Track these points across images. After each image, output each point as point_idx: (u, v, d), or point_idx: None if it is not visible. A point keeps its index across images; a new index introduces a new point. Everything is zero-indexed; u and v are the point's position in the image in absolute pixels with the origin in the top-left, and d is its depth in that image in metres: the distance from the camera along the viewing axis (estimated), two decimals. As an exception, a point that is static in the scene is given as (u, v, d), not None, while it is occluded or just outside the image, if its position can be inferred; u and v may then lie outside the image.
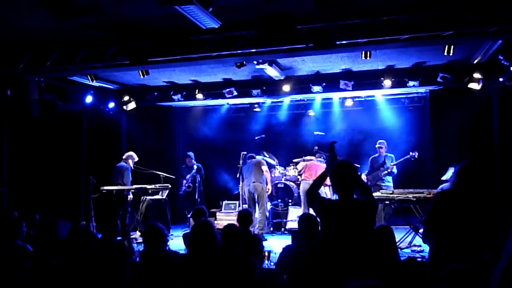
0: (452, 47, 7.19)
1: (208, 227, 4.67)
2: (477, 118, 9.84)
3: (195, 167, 11.00)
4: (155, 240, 4.56)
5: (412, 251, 7.81)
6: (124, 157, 10.22)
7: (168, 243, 6.27)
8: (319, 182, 3.99)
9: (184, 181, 10.95)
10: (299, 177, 10.99)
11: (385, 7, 6.37)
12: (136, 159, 10.26)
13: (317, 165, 10.27)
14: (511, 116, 8.91)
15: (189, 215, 10.36)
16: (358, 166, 9.84)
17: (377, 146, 10.12)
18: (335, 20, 6.61)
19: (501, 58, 7.88)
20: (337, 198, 3.90)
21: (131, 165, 10.12)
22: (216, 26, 6.32)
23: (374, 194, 7.87)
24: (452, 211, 3.51)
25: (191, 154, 11.18)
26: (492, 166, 9.06)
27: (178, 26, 6.62)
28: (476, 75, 9.07)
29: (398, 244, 7.61)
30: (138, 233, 9.43)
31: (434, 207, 3.64)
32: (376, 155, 10.07)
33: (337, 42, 6.72)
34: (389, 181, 9.88)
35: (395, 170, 9.89)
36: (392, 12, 6.45)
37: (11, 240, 4.53)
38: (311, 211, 8.56)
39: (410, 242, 8.09)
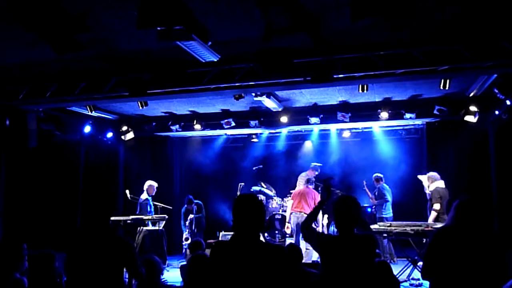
0: (448, 81, 7.28)
1: (204, 260, 4.66)
2: (474, 150, 9.90)
3: (188, 215, 10.82)
4: (150, 274, 4.52)
5: (411, 285, 7.75)
6: (145, 188, 10.37)
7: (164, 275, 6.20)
8: (312, 217, 4.01)
9: (184, 235, 10.68)
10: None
11: (382, 42, 6.47)
12: (156, 185, 10.49)
13: (301, 191, 9.98)
14: (507, 149, 8.95)
15: (185, 246, 10.28)
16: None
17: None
18: (332, 54, 6.71)
19: (497, 91, 7.96)
20: (335, 231, 3.90)
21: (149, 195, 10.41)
22: (215, 60, 6.40)
23: (372, 226, 7.86)
24: (452, 248, 3.50)
25: (192, 197, 10.89)
26: (489, 200, 9.08)
27: (177, 59, 6.70)
28: (472, 108, 9.16)
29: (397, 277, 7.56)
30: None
31: (433, 243, 3.63)
32: None
33: (335, 76, 6.80)
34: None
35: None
36: (389, 47, 6.55)
37: (10, 273, 4.47)
38: (302, 243, 8.59)
39: (408, 276, 8.02)
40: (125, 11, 5.10)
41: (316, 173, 10.90)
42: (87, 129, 10.52)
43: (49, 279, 4.43)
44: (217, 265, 3.10)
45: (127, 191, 10.32)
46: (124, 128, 11.11)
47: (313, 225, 4.16)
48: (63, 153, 10.05)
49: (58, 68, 7.41)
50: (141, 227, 9.84)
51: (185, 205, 10.84)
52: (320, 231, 9.31)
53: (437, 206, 8.26)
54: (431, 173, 8.81)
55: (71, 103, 8.72)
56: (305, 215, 9.35)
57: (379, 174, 10.53)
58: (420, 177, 9.02)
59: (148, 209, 10.28)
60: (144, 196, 10.34)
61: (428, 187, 8.66)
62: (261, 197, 10.67)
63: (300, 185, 10.78)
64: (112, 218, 9.25)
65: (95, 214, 3.65)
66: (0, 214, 8.25)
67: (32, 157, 8.97)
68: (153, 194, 10.47)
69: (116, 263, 3.55)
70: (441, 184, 8.57)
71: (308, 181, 9.95)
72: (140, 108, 8.90)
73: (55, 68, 7.40)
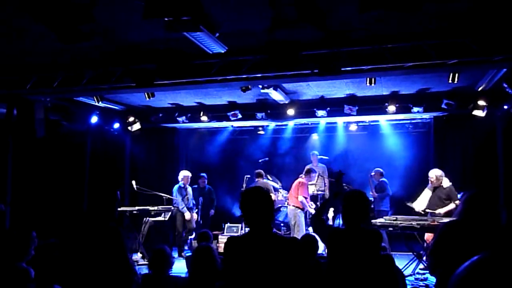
0: (456, 74, 7.22)
1: (209, 252, 4.65)
2: (482, 145, 9.85)
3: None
4: (161, 265, 4.52)
5: (416, 279, 7.73)
6: (179, 178, 10.67)
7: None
8: (322, 209, 4.02)
9: (195, 215, 10.77)
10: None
11: (390, 35, 6.42)
12: (187, 175, 10.65)
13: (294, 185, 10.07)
14: (515, 144, 8.90)
15: (191, 237, 10.30)
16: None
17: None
18: (340, 47, 6.66)
19: (506, 86, 7.88)
20: (341, 224, 3.91)
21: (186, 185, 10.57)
22: (223, 51, 6.37)
23: (377, 220, 7.85)
24: (460, 242, 3.48)
25: (204, 174, 11.26)
26: (497, 195, 9.03)
27: (184, 50, 6.69)
28: (481, 102, 9.08)
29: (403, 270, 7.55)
30: (139, 255, 9.38)
31: (440, 238, 3.61)
32: None
33: (342, 69, 6.76)
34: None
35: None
36: (397, 40, 6.50)
37: (14, 262, 4.48)
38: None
39: (413, 270, 8.01)
40: (132, 1, 5.09)
41: (317, 158, 11.29)
42: (94, 119, 10.54)
43: (54, 269, 4.43)
44: (232, 261, 3.09)
45: (133, 182, 10.34)
46: (131, 119, 11.12)
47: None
48: (70, 143, 10.10)
49: (65, 58, 7.41)
50: (147, 218, 9.88)
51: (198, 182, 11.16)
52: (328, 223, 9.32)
53: (458, 201, 8.32)
54: (439, 170, 8.79)
55: (78, 94, 8.74)
56: (292, 208, 9.52)
57: (380, 169, 10.50)
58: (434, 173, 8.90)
59: (185, 194, 10.52)
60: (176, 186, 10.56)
61: (434, 179, 8.66)
62: (271, 185, 10.72)
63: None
64: (118, 209, 9.31)
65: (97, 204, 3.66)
66: (8, 203, 8.31)
67: (39, 146, 9.02)
68: (188, 183, 10.68)
69: (108, 251, 3.50)
70: None
71: (307, 172, 10.03)
72: (147, 99, 8.90)
73: (63, 58, 7.40)
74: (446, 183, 8.60)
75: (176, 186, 10.54)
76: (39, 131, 8.56)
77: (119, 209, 9.39)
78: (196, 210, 10.72)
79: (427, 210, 8.54)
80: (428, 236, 7.96)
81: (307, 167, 10.90)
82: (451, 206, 8.33)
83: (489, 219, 3.53)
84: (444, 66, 6.73)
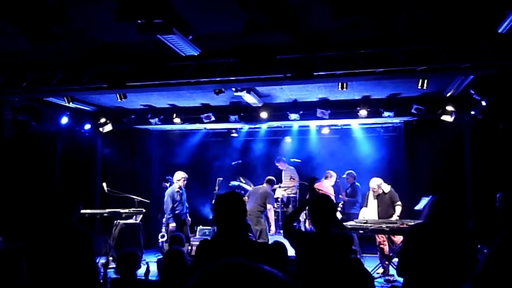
0: (425, 80, 7.37)
1: (179, 255, 4.65)
2: (450, 149, 10.09)
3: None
4: (128, 269, 4.48)
5: (385, 281, 7.85)
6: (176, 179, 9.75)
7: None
8: (294, 216, 4.05)
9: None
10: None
11: (362, 41, 6.52)
12: (180, 177, 9.69)
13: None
14: (481, 148, 9.13)
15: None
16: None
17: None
18: (313, 52, 6.74)
19: (473, 92, 8.10)
20: (312, 229, 3.96)
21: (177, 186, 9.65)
22: (196, 54, 6.37)
23: (348, 223, 7.94)
24: (426, 245, 3.57)
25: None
26: (464, 197, 9.27)
27: (157, 52, 6.65)
28: (449, 108, 9.29)
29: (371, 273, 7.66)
30: (110, 258, 9.26)
31: (408, 241, 3.69)
32: None
33: (315, 73, 6.84)
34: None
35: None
36: (369, 46, 6.61)
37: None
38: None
39: (383, 272, 8.13)
40: (104, 2, 5.04)
41: (284, 163, 11.35)
42: (64, 120, 10.35)
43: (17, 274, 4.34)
44: (202, 264, 3.09)
45: (104, 184, 10.19)
46: (102, 120, 10.95)
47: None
48: (39, 144, 9.88)
49: (36, 58, 7.27)
50: (118, 221, 9.75)
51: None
52: (298, 227, 9.36)
53: (400, 202, 8.63)
54: (377, 178, 9.07)
55: (48, 94, 8.59)
56: None
57: (353, 173, 10.56)
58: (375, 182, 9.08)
59: (180, 199, 9.68)
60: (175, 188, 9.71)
61: (376, 189, 8.89)
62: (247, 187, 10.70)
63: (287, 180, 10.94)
64: (88, 211, 9.16)
65: (57, 207, 3.61)
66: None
67: (6, 147, 8.81)
68: (184, 185, 9.79)
69: (75, 255, 3.48)
70: None
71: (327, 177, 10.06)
72: (119, 100, 8.76)
73: (32, 58, 7.27)
74: (386, 188, 8.87)
75: (169, 190, 9.71)
76: (7, 131, 8.38)
77: (88, 211, 9.23)
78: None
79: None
80: (398, 239, 8.12)
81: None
82: (399, 208, 8.62)
83: (455, 222, 3.63)
84: (413, 72, 6.89)
